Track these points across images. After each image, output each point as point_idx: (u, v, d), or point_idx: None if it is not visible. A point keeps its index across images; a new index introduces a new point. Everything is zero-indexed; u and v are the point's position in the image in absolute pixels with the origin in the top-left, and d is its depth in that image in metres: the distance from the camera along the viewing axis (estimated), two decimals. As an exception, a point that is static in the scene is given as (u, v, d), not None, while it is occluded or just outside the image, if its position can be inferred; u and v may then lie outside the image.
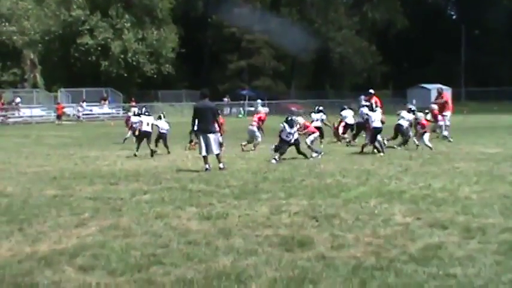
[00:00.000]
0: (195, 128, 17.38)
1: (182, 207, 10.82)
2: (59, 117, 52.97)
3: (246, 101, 67.98)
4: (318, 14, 79.68)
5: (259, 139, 23.32)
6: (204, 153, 16.76)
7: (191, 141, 23.59)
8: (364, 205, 10.61)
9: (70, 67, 67.55)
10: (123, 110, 65.49)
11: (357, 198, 11.24)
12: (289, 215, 9.97)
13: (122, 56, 68.17)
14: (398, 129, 22.24)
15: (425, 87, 77.48)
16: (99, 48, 67.71)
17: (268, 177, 14.69)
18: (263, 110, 25.43)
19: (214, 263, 7.26)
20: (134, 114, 26.73)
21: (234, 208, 10.64)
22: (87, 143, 28.63)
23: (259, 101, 26.44)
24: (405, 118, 22.25)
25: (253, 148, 23.00)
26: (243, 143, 22.85)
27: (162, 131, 22.98)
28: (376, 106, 28.28)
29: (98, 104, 64.74)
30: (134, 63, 69.12)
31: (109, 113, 63.80)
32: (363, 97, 27.21)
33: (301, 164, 17.39)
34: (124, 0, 69.84)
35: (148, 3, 70.64)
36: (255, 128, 23.43)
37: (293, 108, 62.79)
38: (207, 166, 16.56)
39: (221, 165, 16.67)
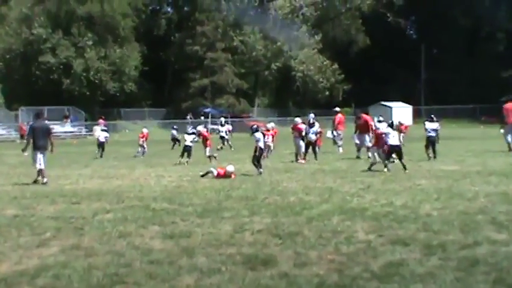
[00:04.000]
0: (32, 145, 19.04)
1: (145, 226, 10.74)
2: (22, 136, 52.51)
3: (209, 119, 67.94)
4: (280, 32, 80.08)
5: (303, 149, 24.97)
6: (40, 166, 18.56)
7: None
8: (327, 223, 10.64)
9: (31, 85, 66.92)
10: (86, 128, 65.06)
11: (319, 216, 11.27)
12: (252, 233, 9.96)
13: (84, 74, 67.78)
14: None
15: (386, 105, 78.48)
16: (61, 67, 67.28)
17: (231, 195, 14.67)
18: (299, 120, 26.29)
19: (177, 282, 7.21)
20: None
21: (197, 226, 10.60)
22: (49, 161, 28.21)
23: (312, 115, 27.26)
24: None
25: (303, 159, 24.56)
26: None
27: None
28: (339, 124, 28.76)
29: (59, 122, 64.17)
30: (96, 81, 68.75)
31: (71, 132, 63.40)
32: (312, 115, 27.61)
33: (264, 182, 17.41)
34: (86, 19, 69.47)
35: (110, 22, 70.38)
36: (297, 140, 25.08)
37: (255, 126, 62.95)
38: (45, 180, 18.37)
39: (45, 180, 18.40)
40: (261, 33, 79.87)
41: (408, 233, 9.59)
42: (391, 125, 21.03)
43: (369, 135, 25.94)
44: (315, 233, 9.75)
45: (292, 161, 24.58)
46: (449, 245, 8.75)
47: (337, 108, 30.20)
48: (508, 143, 27.48)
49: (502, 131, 28.91)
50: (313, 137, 25.38)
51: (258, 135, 20.66)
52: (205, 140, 26.14)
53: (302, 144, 24.99)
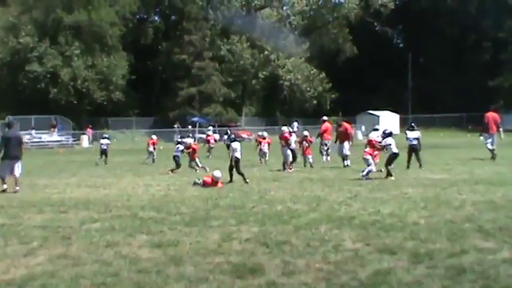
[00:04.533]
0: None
1: (133, 235, 10.72)
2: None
3: (197, 128, 67.90)
4: (268, 41, 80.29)
5: (290, 158, 24.94)
6: (6, 177, 18.78)
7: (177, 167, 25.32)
8: (315, 231, 10.66)
9: (18, 94, 66.55)
10: (73, 137, 64.82)
11: (307, 225, 11.29)
12: (240, 242, 9.96)
13: (72, 83, 67.55)
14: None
15: (373, 114, 78.70)
16: (48, 76, 66.98)
17: (219, 204, 14.68)
18: (286, 130, 26.24)
19: (165, 292, 7.21)
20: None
21: (185, 235, 10.59)
22: (36, 170, 28.19)
23: (295, 123, 27.95)
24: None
25: (290, 169, 24.58)
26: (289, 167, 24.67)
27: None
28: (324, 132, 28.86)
29: (47, 131, 63.93)
30: (84, 90, 68.52)
31: (58, 141, 63.11)
32: (295, 124, 27.84)
33: (252, 191, 17.41)
34: (73, 28, 69.27)
35: (97, 30, 70.18)
36: (287, 149, 24.98)
37: (244, 135, 63.03)
38: (4, 187, 18.61)
39: (17, 188, 18.49)
40: (249, 42, 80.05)
41: (395, 242, 9.62)
42: (389, 134, 21.14)
43: (348, 143, 26.45)
44: (303, 242, 9.76)
45: (280, 170, 24.61)
46: (436, 253, 8.78)
47: (325, 117, 30.27)
48: (492, 151, 27.72)
49: (481, 138, 29.41)
50: (293, 145, 25.52)
51: (235, 145, 20.75)
52: (193, 152, 26.08)
53: (289, 153, 25.06)
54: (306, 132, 27.81)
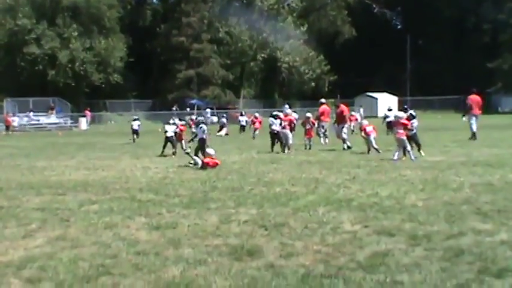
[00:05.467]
0: None
1: (131, 217, 10.72)
2: (7, 128, 52.43)
3: (195, 110, 67.81)
4: (266, 23, 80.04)
5: (291, 141, 25.11)
6: None
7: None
8: (313, 213, 10.66)
9: (16, 76, 66.48)
10: (71, 119, 64.77)
11: (305, 207, 11.28)
12: (238, 224, 9.96)
13: (70, 65, 67.44)
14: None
15: (371, 96, 78.63)
16: (46, 58, 66.88)
17: (217, 186, 14.67)
18: (294, 114, 26.90)
19: (163, 273, 7.21)
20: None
21: (183, 218, 10.58)
22: (35, 153, 28.18)
23: (286, 106, 28.33)
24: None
25: (289, 151, 24.62)
26: (286, 148, 24.71)
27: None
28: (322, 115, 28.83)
29: (45, 113, 63.86)
30: (82, 72, 68.41)
31: (56, 123, 63.06)
32: (287, 106, 27.91)
33: (250, 173, 17.40)
34: (71, 9, 69.02)
35: (95, 12, 69.98)
36: (287, 131, 25.16)
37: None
38: None
39: None
40: (247, 25, 79.82)
41: (394, 224, 9.62)
42: (415, 116, 21.66)
43: (345, 126, 26.56)
44: (301, 224, 9.76)
45: (278, 152, 24.59)
46: (434, 235, 8.78)
47: (323, 100, 30.17)
48: (473, 132, 28.68)
49: (464, 119, 30.35)
50: (277, 128, 25.43)
51: (204, 127, 20.73)
52: (180, 133, 25.62)
53: (290, 135, 25.13)
54: (308, 114, 27.73)
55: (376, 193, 12.78)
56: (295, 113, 28.75)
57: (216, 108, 65.74)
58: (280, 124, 25.53)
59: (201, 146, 20.32)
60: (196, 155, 20.30)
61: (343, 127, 26.42)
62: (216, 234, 9.25)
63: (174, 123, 25.92)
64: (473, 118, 29.07)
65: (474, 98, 29.78)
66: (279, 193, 13.21)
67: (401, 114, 21.66)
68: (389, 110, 38.21)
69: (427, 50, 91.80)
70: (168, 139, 24.98)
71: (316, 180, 15.37)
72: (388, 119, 35.18)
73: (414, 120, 21.20)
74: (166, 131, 25.23)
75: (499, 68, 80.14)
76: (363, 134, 23.63)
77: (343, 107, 27.73)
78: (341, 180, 15.13)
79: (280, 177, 16.18)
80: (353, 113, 35.85)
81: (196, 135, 21.44)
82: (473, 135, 28.51)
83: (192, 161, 19.89)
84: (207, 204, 11.93)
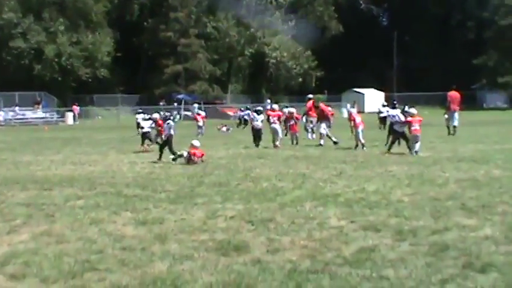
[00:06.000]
0: None
1: (117, 212, 10.68)
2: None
3: (182, 105, 67.65)
4: (254, 18, 79.96)
5: (280, 135, 25.37)
6: None
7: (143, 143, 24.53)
8: (300, 209, 10.66)
9: (2, 71, 66.01)
10: (58, 114, 64.46)
11: (292, 202, 11.29)
12: (225, 219, 9.95)
13: (56, 59, 67.11)
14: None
15: (358, 92, 78.73)
16: (32, 52, 66.55)
17: (204, 181, 14.64)
18: (290, 109, 27.17)
19: (149, 269, 7.19)
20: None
21: (170, 213, 10.56)
22: (20, 147, 28.02)
23: (268, 101, 28.67)
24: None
25: (278, 145, 24.58)
26: (276, 142, 24.67)
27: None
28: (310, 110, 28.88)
29: (31, 108, 63.51)
30: (69, 67, 68.09)
31: (43, 118, 62.69)
32: (268, 101, 27.98)
33: (237, 168, 17.38)
34: (58, 3, 68.65)
35: (82, 7, 69.65)
36: (277, 126, 25.22)
37: (229, 113, 62.88)
38: None
39: None
40: (235, 20, 79.71)
41: (380, 219, 9.65)
42: (403, 112, 21.93)
43: (326, 123, 26.35)
44: (288, 219, 9.77)
45: (266, 147, 24.57)
46: (420, 230, 8.82)
47: (310, 95, 30.30)
48: (448, 128, 29.70)
49: (445, 116, 30.91)
50: (259, 124, 25.45)
51: (171, 123, 20.71)
52: (159, 127, 25.24)
53: (279, 129, 25.23)
54: (292, 109, 27.77)
55: (362, 188, 12.81)
56: (292, 108, 28.69)
57: (203, 103, 65.53)
58: (269, 119, 25.57)
59: (169, 143, 20.23)
60: (161, 152, 20.21)
61: (325, 124, 26.34)
62: (202, 229, 9.24)
63: (149, 118, 25.62)
64: (453, 114, 29.87)
65: (453, 94, 30.95)
66: (266, 188, 13.21)
67: (413, 110, 21.78)
68: (384, 105, 38.58)
69: (413, 46, 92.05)
70: (144, 135, 24.73)
71: (303, 175, 15.38)
72: (381, 115, 35.68)
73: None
74: (142, 127, 25.01)
75: (483, 64, 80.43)
76: (352, 123, 23.57)
77: (323, 106, 27.82)
78: (328, 176, 15.15)
79: (267, 173, 16.18)
80: (344, 109, 36.20)
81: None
82: (450, 130, 29.42)
83: (172, 156, 19.66)
84: (194, 199, 11.90)
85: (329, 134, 25.90)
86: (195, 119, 38.30)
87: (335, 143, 25.37)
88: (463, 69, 77.86)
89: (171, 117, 21.93)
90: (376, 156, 19.97)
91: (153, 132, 24.22)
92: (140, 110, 35.53)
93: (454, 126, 29.53)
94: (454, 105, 30.36)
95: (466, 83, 72.84)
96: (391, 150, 20.74)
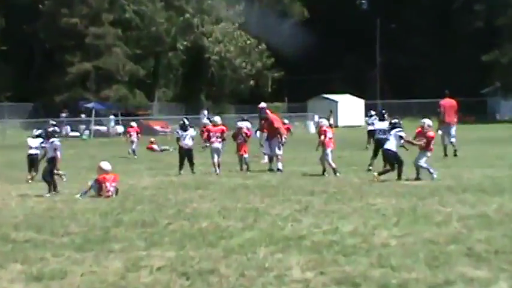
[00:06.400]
0: None
1: (3, 264, 10.56)
2: None
3: (93, 118, 67.06)
4: (189, 1, 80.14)
5: (219, 158, 25.79)
6: None
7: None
8: (251, 256, 10.68)
9: None
10: None
11: (241, 248, 11.31)
12: (150, 271, 9.91)
13: None
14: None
15: (330, 99, 79.17)
16: None
17: (122, 219, 14.58)
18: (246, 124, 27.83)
19: None
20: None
21: (75, 264, 10.48)
22: None
23: (205, 112, 28.60)
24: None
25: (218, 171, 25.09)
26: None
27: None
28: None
29: None
30: None
31: None
32: (205, 112, 28.13)
33: (166, 202, 17.35)
34: None
35: None
36: (218, 145, 25.80)
37: (157, 127, 62.77)
38: None
39: None
40: (163, 2, 79.71)
41: (359, 269, 9.70)
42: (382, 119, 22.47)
43: (278, 141, 26.26)
44: (235, 271, 9.77)
45: (206, 173, 24.59)
46: (412, 284, 8.89)
47: (263, 104, 30.25)
48: (445, 147, 30.02)
49: (439, 132, 30.87)
50: (189, 142, 25.49)
51: (57, 142, 20.37)
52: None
53: (222, 149, 25.51)
54: (241, 124, 27.74)
55: (335, 228, 12.87)
56: (246, 122, 28.84)
57: (122, 115, 65.31)
58: (209, 137, 25.61)
59: (51, 168, 20.06)
60: (45, 179, 19.98)
61: (279, 142, 26.18)
62: (120, 285, 9.19)
63: (39, 135, 24.42)
64: (448, 128, 30.37)
65: (447, 103, 31.13)
66: (206, 229, 13.21)
67: (429, 121, 23.21)
68: (371, 116, 38.93)
69: (402, 38, 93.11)
70: (31, 158, 24.19)
71: (255, 211, 15.42)
72: (369, 127, 35.90)
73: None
74: (30, 147, 24.39)
75: (496, 61, 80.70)
76: (322, 138, 23.55)
77: (273, 116, 27.67)
78: (289, 212, 15.21)
79: (207, 208, 16.20)
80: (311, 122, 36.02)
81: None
82: (446, 151, 29.82)
83: (82, 191, 19.34)
84: (109, 245, 11.84)
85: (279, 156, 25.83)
86: (128, 133, 38.06)
87: (278, 170, 25.36)
88: (469, 69, 79.06)
89: (56, 135, 21.44)
90: (354, 184, 20.12)
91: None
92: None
93: (452, 143, 29.93)
94: (450, 117, 30.76)
95: (473, 86, 74.08)
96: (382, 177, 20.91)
